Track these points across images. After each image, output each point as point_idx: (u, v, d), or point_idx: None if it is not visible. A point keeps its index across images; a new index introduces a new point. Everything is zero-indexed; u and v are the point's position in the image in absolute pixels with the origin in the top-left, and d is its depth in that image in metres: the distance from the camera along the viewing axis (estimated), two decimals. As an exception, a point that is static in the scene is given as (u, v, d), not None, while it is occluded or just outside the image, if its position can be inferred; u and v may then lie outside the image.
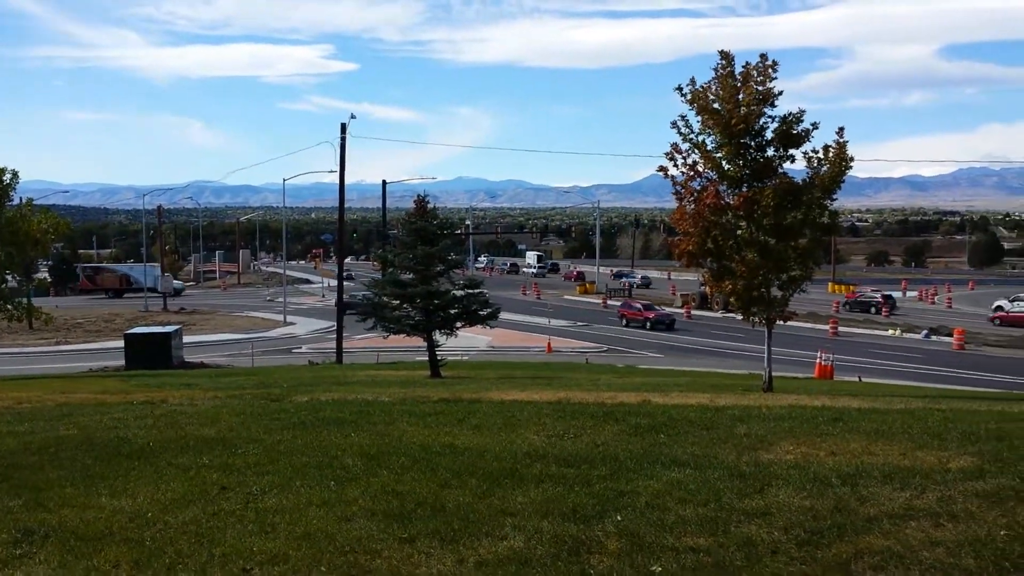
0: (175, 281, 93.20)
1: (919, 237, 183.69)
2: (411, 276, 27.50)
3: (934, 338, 50.36)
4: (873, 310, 64.10)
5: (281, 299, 64.90)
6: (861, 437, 9.21)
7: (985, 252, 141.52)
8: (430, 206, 28.78)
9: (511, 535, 6.10)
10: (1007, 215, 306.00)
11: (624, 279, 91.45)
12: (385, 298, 27.65)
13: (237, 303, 76.59)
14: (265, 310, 68.35)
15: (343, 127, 39.34)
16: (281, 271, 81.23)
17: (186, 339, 43.29)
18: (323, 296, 78.63)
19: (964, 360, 42.17)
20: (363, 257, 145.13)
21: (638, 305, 60.48)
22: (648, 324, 56.13)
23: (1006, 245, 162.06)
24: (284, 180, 61.35)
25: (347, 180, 39.64)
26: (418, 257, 26.90)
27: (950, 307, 70.86)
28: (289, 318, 60.70)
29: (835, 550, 5.44)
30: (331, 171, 41.92)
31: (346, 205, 40.89)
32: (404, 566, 5.60)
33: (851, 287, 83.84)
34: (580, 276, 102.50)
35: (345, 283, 43.73)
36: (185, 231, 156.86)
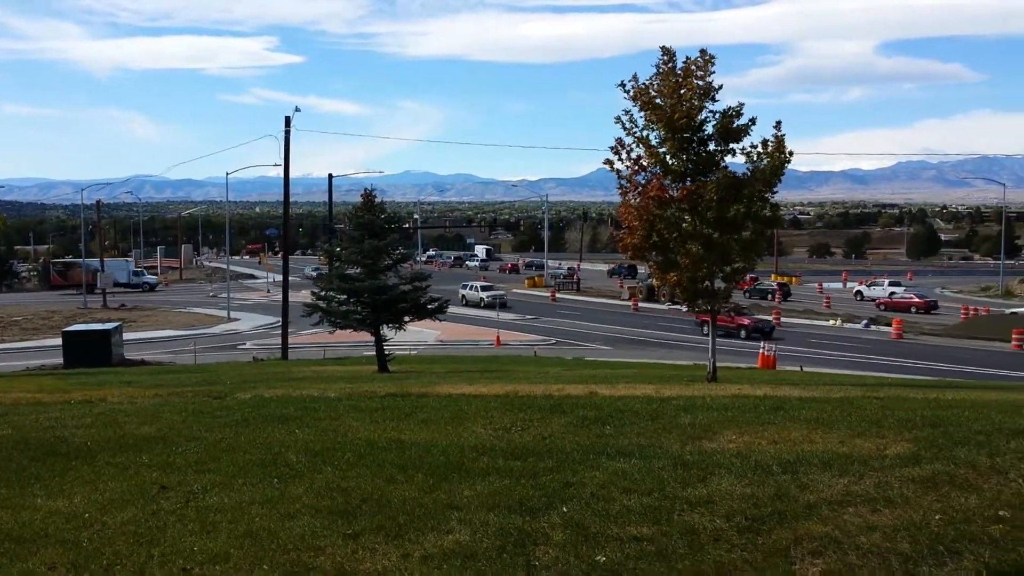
0: (148, 276, 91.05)
1: (859, 229, 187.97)
2: (358, 271, 27.26)
3: (873, 328, 51.61)
4: (770, 296, 68.36)
5: (224, 295, 63.85)
6: (802, 425, 9.38)
7: (923, 244, 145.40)
8: (377, 200, 28.55)
9: (457, 529, 6.11)
10: (944, 207, 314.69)
11: (561, 272, 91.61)
12: (332, 293, 27.37)
13: (179, 299, 75.14)
14: (208, 306, 67.19)
15: (287, 120, 38.82)
16: (225, 266, 79.89)
17: (126, 336, 42.30)
18: (268, 291, 77.56)
19: (901, 349, 43.28)
20: (309, 252, 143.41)
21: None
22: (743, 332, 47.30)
23: (943, 237, 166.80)
24: (227, 174, 60.27)
25: (292, 174, 39.15)
26: (365, 251, 26.67)
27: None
28: (233, 314, 59.74)
29: (775, 536, 5.54)
30: (276, 165, 41.37)
31: (291, 199, 40.46)
32: (348, 562, 5.57)
33: (794, 279, 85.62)
34: (515, 268, 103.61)
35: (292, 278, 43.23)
36: (125, 226, 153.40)
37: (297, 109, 39.59)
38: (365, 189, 28.26)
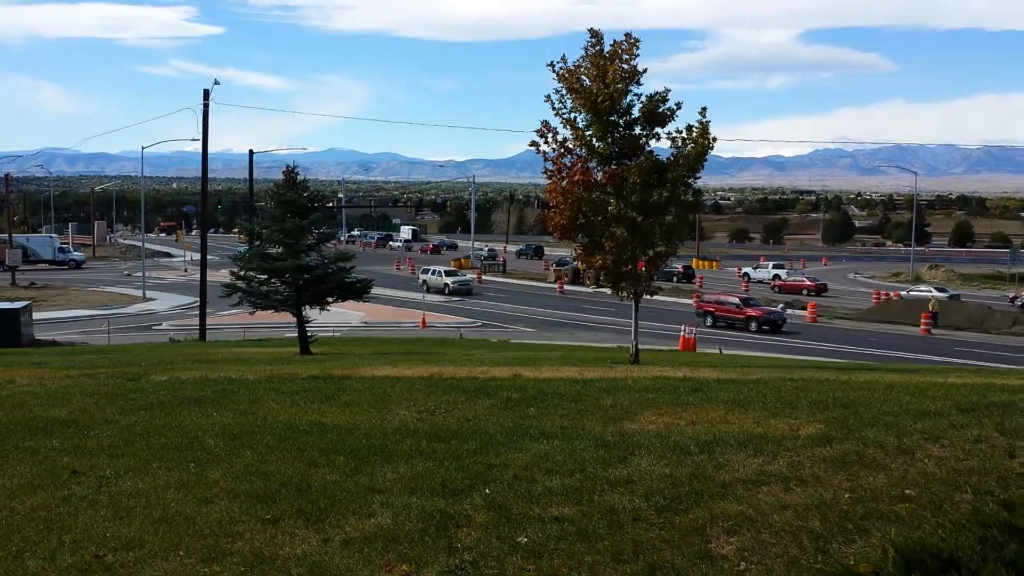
0: (75, 253, 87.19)
1: (777, 215, 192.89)
2: (280, 250, 26.79)
3: (789, 311, 53.13)
4: (675, 279, 70.71)
5: (140, 273, 61.98)
6: (719, 407, 9.59)
7: (838, 230, 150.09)
8: (300, 178, 28.09)
9: (379, 512, 6.08)
10: (858, 194, 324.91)
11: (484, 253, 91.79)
12: (252, 272, 26.84)
13: (92, 277, 72.62)
14: (123, 285, 65.16)
15: (206, 93, 37.75)
16: (140, 244, 77.44)
17: (36, 315, 40.75)
18: (185, 270, 75.55)
19: (816, 332, 44.69)
20: (227, 230, 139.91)
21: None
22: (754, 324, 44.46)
23: (857, 223, 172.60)
24: (143, 148, 58.35)
25: (212, 149, 38.13)
26: (287, 230, 26.22)
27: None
28: (149, 293, 58.09)
29: (692, 515, 5.66)
30: (193, 139, 40.26)
31: (210, 176, 39.38)
32: (267, 547, 5.50)
33: (714, 263, 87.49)
34: (436, 249, 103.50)
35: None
36: (35, 201, 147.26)
37: (216, 82, 38.55)
38: (287, 166, 27.79)
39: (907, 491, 5.67)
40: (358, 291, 27.64)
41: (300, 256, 26.40)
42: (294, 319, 27.33)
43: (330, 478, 6.98)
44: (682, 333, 35.02)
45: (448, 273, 64.39)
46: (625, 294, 20.15)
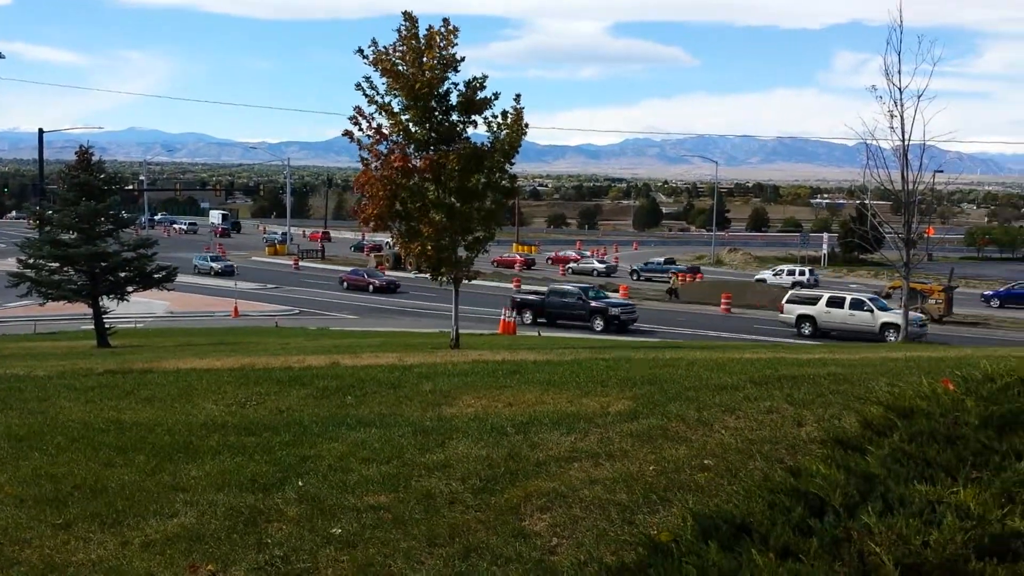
0: None
1: (591, 201, 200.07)
2: (73, 235, 24.92)
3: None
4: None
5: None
6: (535, 387, 9.80)
7: (647, 216, 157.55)
8: (96, 158, 26.25)
9: (183, 511, 5.81)
10: (665, 182, 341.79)
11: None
12: (42, 260, 24.81)
13: None
14: None
15: (-14, 65, 34.41)
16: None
17: None
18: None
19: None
20: (21, 215, 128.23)
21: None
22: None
23: (664, 210, 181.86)
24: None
25: (-7, 126, 34.83)
26: (81, 214, 24.42)
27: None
28: (-78, 285, 52.39)
29: (507, 495, 5.73)
30: (-28, 116, 36.62)
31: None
32: (59, 554, 5.15)
33: (533, 248, 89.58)
34: (226, 233, 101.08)
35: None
36: None
37: (1, 56, 35.22)
38: (81, 146, 25.86)
39: (706, 461, 5.99)
40: (161, 279, 26.20)
41: (96, 242, 24.72)
42: (91, 310, 25.55)
43: (129, 478, 6.64)
44: (502, 317, 35.60)
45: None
46: (445, 279, 20.21)
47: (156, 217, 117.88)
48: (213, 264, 63.86)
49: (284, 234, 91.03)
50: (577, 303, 38.10)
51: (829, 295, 37.99)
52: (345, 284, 56.70)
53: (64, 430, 8.36)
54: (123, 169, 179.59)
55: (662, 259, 71.29)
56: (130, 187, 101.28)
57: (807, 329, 36.57)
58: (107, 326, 25.51)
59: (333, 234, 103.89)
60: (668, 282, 58.43)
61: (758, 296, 51.40)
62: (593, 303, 38.00)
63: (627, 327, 37.52)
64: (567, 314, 38.20)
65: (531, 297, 41.20)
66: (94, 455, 7.35)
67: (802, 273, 62.10)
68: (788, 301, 38.53)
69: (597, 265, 70.53)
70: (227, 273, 60.40)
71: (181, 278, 51.56)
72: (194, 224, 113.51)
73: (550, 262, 73.11)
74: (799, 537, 3.29)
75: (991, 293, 55.69)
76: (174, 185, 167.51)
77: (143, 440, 7.81)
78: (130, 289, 26.16)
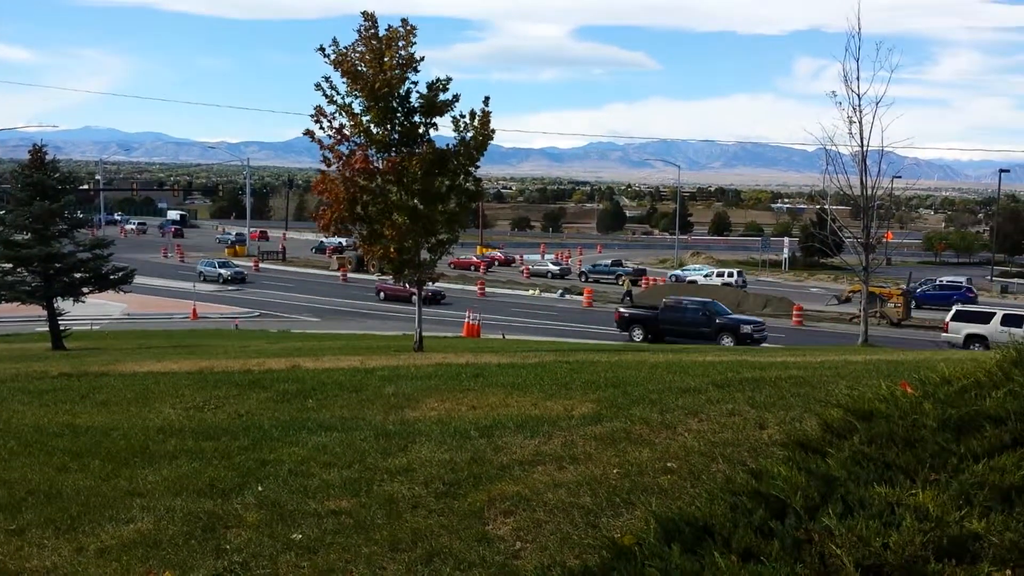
0: None
1: (556, 204, 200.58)
2: (27, 236, 24.44)
3: (567, 297, 55.36)
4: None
5: None
6: (499, 391, 9.77)
7: (611, 219, 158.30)
8: (50, 157, 25.77)
9: (139, 517, 5.72)
10: (629, 186, 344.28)
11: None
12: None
13: None
14: None
15: (-64, 61, 33.59)
16: None
17: None
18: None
19: (591, 316, 46.87)
20: None
21: None
22: None
23: (628, 213, 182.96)
24: None
25: (-57, 124, 34.00)
26: (35, 215, 23.96)
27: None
28: None
29: (471, 499, 5.70)
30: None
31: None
32: (12, 560, 5.06)
33: (496, 250, 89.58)
34: (179, 233, 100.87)
35: None
36: None
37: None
38: (34, 145, 25.40)
39: (669, 464, 6.01)
40: (117, 281, 25.79)
41: (50, 243, 24.27)
42: (45, 312, 25.06)
43: (84, 483, 6.54)
44: (466, 319, 35.50)
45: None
46: (408, 282, 20.10)
47: (116, 217, 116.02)
48: (222, 271, 58.66)
49: (238, 234, 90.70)
50: (700, 318, 34.37)
51: (1003, 312, 32.79)
52: (382, 294, 50.71)
53: (17, 434, 8.21)
54: (78, 168, 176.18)
55: (609, 261, 72.35)
56: (85, 187, 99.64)
57: (977, 348, 28.67)
58: (62, 328, 25.04)
59: (295, 235, 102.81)
60: (616, 283, 59.81)
61: (721, 300, 51.92)
62: (719, 319, 34.38)
63: (759, 345, 32.73)
64: (687, 331, 33.97)
65: (641, 312, 37.55)
66: (48, 460, 7.23)
67: (731, 275, 63.25)
68: (954, 319, 33.77)
69: (551, 267, 71.32)
70: (238, 280, 57.43)
71: (179, 284, 50.49)
72: (144, 224, 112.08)
73: (452, 266, 64.74)
74: (761, 539, 3.30)
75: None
76: (131, 185, 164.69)
77: (98, 445, 7.67)
78: (86, 290, 25.73)
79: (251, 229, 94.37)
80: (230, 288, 55.73)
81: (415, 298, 20.77)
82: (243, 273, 59.30)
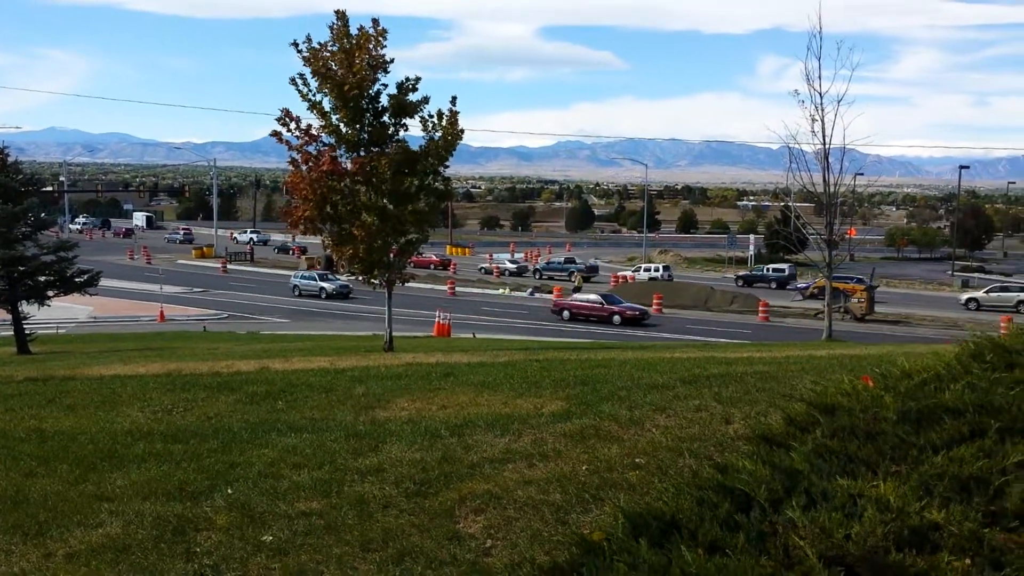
0: None
1: (524, 203, 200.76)
2: (-11, 239, 24.02)
3: (538, 295, 55.48)
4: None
5: None
6: (469, 389, 9.80)
7: (579, 217, 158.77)
8: (12, 159, 25.36)
9: (108, 521, 5.66)
10: (597, 184, 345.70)
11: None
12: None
13: None
14: None
15: None
16: None
17: None
18: None
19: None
20: None
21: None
22: None
23: (596, 211, 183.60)
24: None
25: (-100, 125, 33.30)
26: (-2, 217, 23.56)
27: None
28: None
29: (442, 498, 5.72)
30: None
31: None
32: None
33: (467, 249, 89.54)
34: (129, 232, 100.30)
35: None
36: None
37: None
38: (-4, 146, 24.96)
39: (637, 460, 6.08)
40: (83, 284, 25.45)
41: (13, 246, 23.90)
42: (9, 316, 24.67)
43: (51, 488, 6.47)
44: (436, 319, 35.46)
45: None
46: (378, 282, 20.07)
47: (81, 219, 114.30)
48: (324, 284, 51.82)
49: (186, 233, 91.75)
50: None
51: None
52: (566, 313, 44.40)
53: (-19, 440, 8.06)
54: (42, 170, 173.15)
55: (563, 259, 73.01)
56: (49, 188, 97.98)
57: None
58: (27, 332, 24.68)
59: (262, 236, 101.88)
60: (569, 280, 60.93)
61: (690, 296, 52.32)
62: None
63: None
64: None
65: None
66: (14, 465, 7.14)
67: (657, 270, 65.34)
68: None
69: (508, 265, 71.89)
70: (342, 295, 51.02)
71: (145, 287, 48.95)
72: (107, 222, 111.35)
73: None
74: (727, 532, 3.36)
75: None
76: (96, 186, 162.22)
77: (66, 449, 7.58)
78: (50, 294, 25.38)
79: (252, 234, 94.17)
80: (198, 290, 55.06)
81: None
82: (348, 287, 50.49)
